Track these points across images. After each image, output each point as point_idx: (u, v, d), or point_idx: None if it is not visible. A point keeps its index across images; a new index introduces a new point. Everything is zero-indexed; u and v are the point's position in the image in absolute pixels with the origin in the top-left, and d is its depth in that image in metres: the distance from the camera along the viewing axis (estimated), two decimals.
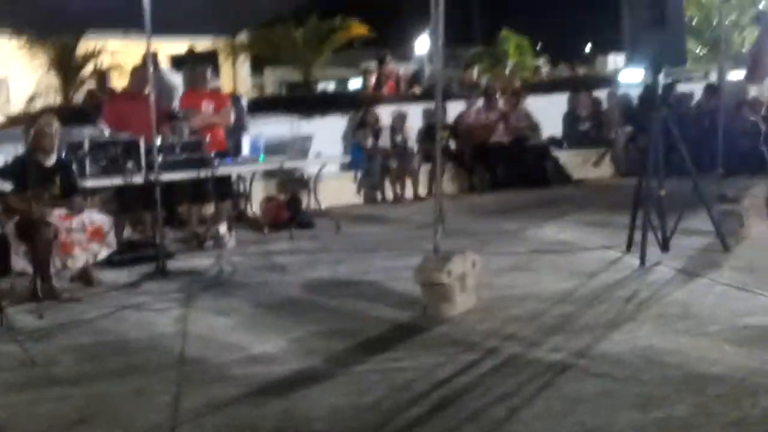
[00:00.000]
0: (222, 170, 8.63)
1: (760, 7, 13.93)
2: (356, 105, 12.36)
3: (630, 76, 13.50)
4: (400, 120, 11.92)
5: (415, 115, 12.14)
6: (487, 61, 19.70)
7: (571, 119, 13.29)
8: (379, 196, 11.59)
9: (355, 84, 16.61)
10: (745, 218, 7.39)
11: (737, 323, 4.95)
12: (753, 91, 12.41)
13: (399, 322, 5.47)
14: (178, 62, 12.54)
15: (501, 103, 12.80)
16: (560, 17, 25.00)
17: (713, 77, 13.35)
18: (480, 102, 12.76)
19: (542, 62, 20.24)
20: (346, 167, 11.45)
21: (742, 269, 6.25)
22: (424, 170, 11.50)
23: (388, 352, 4.86)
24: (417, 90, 13.65)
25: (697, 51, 14.53)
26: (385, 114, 11.98)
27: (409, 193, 11.53)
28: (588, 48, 23.51)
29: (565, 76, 15.55)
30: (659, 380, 4.15)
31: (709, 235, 7.05)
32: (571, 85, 13.92)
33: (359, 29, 15.57)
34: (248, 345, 5.12)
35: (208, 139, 8.93)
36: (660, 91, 7.22)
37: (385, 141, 11.75)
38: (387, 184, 11.58)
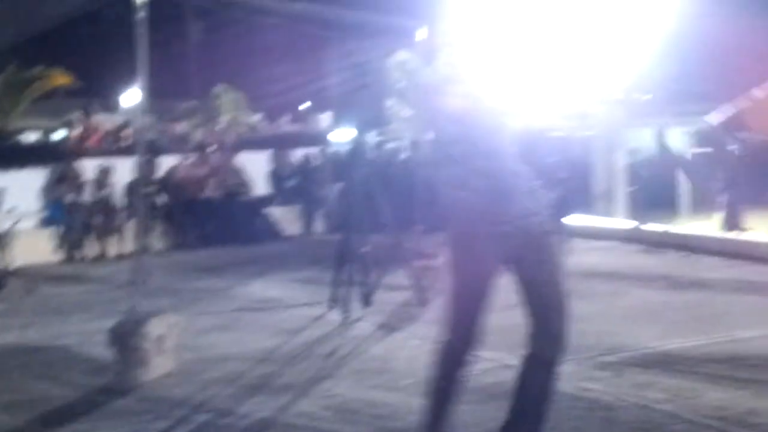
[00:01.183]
0: None
1: None
2: (57, 157, 11.71)
3: (342, 134, 13.92)
4: (104, 174, 11.46)
5: (123, 170, 11.67)
6: (201, 116, 19.49)
7: (275, 177, 13.41)
8: (80, 253, 10.98)
9: (59, 135, 15.81)
10: (440, 273, 7.73)
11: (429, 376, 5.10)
12: None
13: (89, 390, 5.12)
14: None
15: (213, 158, 12.69)
16: (275, 75, 25.40)
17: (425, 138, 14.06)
18: (192, 157, 12.57)
19: (258, 118, 20.33)
20: (44, 223, 10.77)
21: (437, 323, 6.47)
22: (130, 226, 11.07)
23: (74, 422, 4.52)
24: (124, 143, 13.18)
25: (404, 113, 15.29)
26: (89, 168, 11.45)
27: (113, 250, 11.03)
28: (304, 106, 24.01)
29: (278, 133, 15.73)
30: None
31: (409, 290, 7.30)
32: (282, 142, 14.08)
33: (62, 79, 14.86)
34: None
35: None
36: (363, 150, 7.47)
37: (88, 196, 11.22)
38: (90, 241, 11.01)
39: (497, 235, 3.47)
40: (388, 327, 6.51)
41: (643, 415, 4.30)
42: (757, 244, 10.52)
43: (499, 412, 3.89)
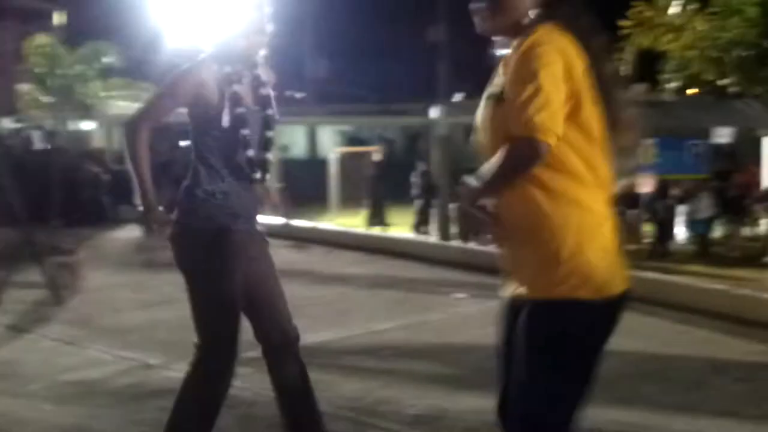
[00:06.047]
0: None
1: (106, 59, 14.30)
2: None
3: None
4: None
5: None
6: None
7: None
8: None
9: None
10: (79, 270, 7.30)
11: (60, 379, 4.76)
12: (97, 142, 12.59)
13: None
14: None
15: None
16: None
17: (70, 125, 13.22)
18: None
19: None
20: None
21: (74, 323, 6.11)
22: None
23: None
24: None
25: (43, 99, 14.37)
26: None
27: None
28: None
29: None
30: None
31: (42, 288, 6.79)
32: None
33: None
34: None
35: None
36: None
37: None
38: None
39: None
40: (17, 328, 6.01)
41: None
42: (395, 240, 11.19)
43: (141, 414, 3.74)
